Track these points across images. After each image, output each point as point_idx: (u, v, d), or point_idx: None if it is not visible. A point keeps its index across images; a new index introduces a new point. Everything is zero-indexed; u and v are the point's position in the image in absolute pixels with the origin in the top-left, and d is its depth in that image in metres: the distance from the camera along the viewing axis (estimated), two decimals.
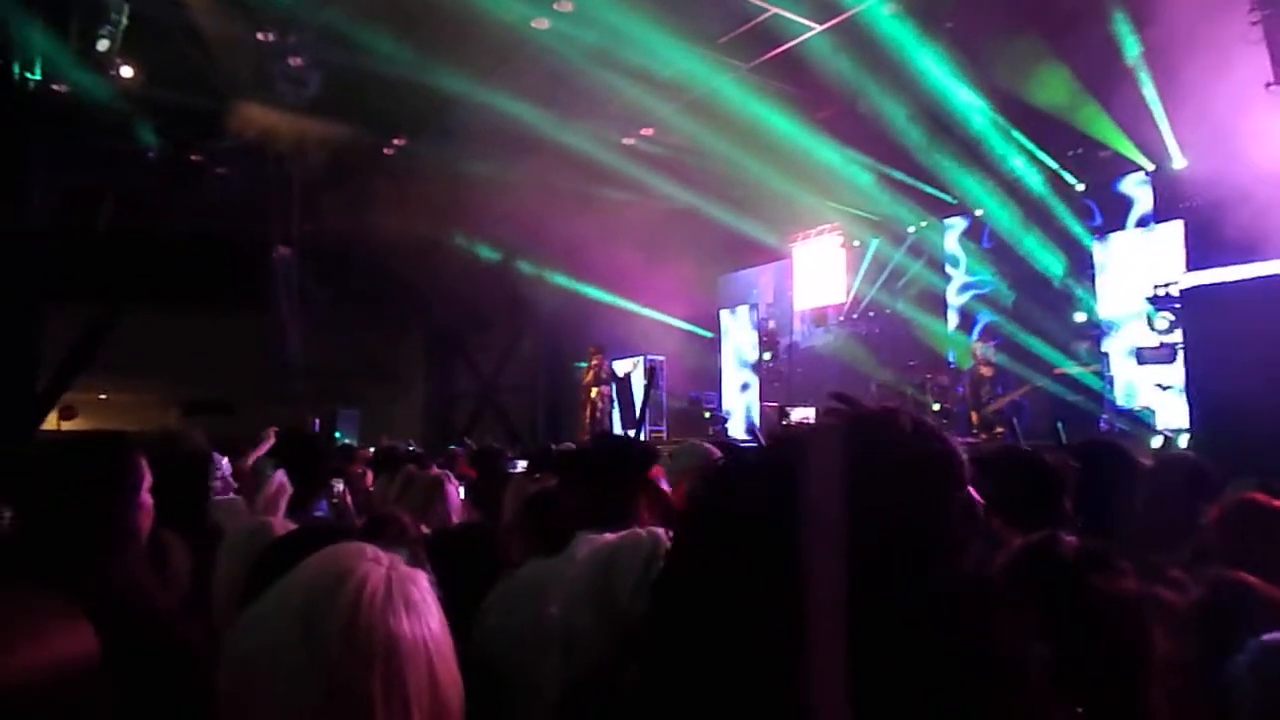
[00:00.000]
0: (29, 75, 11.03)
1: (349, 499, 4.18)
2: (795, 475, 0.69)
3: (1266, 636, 1.43)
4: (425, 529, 2.95)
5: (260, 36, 10.72)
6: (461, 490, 3.94)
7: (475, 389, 18.37)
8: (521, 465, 3.74)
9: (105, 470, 1.91)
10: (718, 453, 2.51)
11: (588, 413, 13.16)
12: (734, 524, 0.73)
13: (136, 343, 13.51)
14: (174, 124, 12.17)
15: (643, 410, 8.01)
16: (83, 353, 12.98)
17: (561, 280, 15.70)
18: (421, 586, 1.01)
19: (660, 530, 1.54)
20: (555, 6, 10.29)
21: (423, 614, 0.98)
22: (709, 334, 16.26)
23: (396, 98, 11.63)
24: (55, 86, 11.15)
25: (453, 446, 10.62)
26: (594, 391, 13.00)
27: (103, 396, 16.62)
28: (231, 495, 3.86)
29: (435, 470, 3.69)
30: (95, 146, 12.09)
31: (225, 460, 4.92)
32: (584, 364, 13.09)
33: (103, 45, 10.29)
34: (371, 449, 8.55)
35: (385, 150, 13.79)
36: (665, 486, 2.17)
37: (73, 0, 9.98)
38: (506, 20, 10.21)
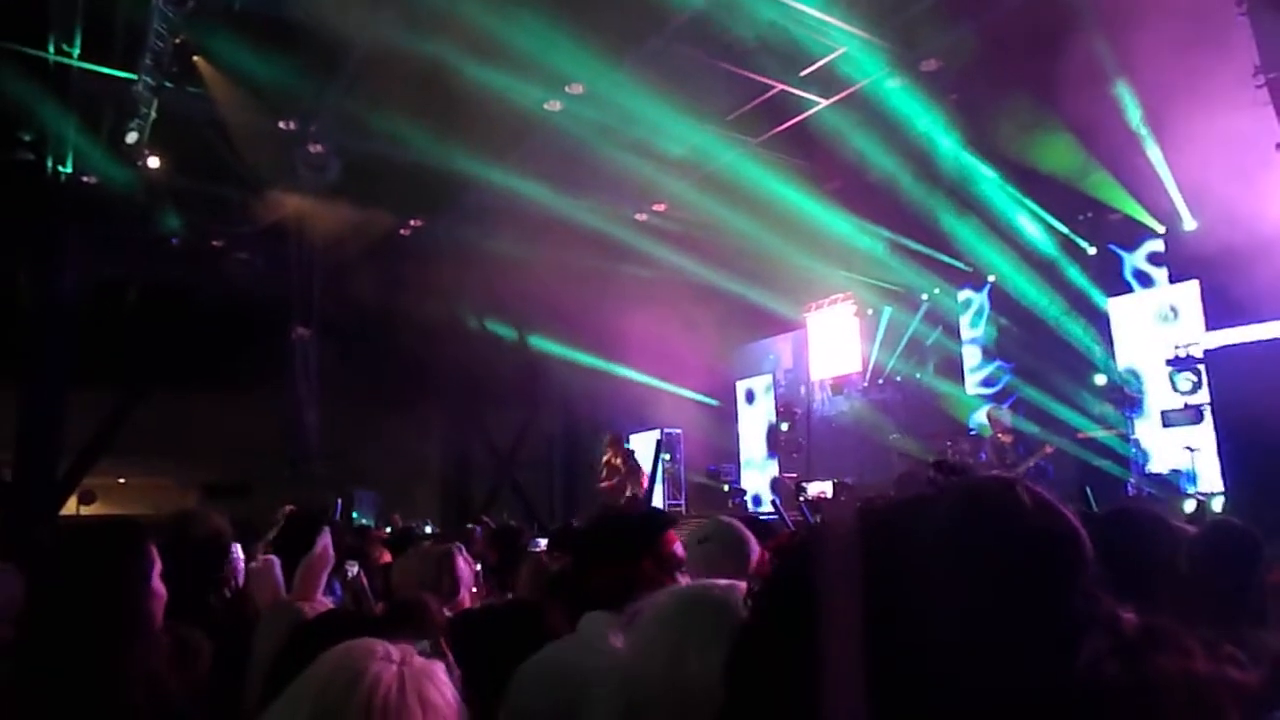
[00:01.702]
0: (61, 168, 11.40)
1: (364, 581, 4.10)
2: (891, 553, 0.65)
3: None
4: (448, 611, 2.88)
5: (282, 125, 11.05)
6: (479, 568, 3.87)
7: (492, 467, 18.29)
8: (542, 544, 3.66)
9: (114, 558, 1.88)
10: (745, 531, 2.44)
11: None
12: (814, 606, 0.67)
13: (155, 426, 13.60)
14: (197, 211, 12.49)
15: (651, 482, 7.88)
16: (104, 437, 13.07)
17: (578, 356, 15.77)
18: (439, 681, 0.97)
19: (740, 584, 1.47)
20: (566, 89, 10.57)
21: (439, 710, 0.94)
22: (716, 402, 16.15)
23: (413, 180, 11.91)
24: (85, 178, 11.51)
25: (470, 525, 10.51)
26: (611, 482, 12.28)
27: (121, 481, 16.63)
28: (266, 558, 3.79)
29: (444, 546, 3.63)
30: (121, 234, 12.42)
31: (237, 546, 4.83)
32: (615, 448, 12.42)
33: (131, 137, 10.63)
34: (387, 529, 8.48)
35: (402, 231, 14.05)
36: (680, 551, 2.11)
37: (104, 94, 10.34)
38: (520, 104, 10.50)
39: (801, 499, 11.37)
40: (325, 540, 2.95)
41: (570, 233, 12.91)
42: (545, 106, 10.86)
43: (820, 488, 11.21)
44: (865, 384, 14.21)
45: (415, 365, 15.12)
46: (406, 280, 13.84)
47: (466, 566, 3.32)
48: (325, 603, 2.55)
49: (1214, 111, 7.21)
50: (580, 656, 1.90)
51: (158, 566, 1.95)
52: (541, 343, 15.58)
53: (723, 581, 1.49)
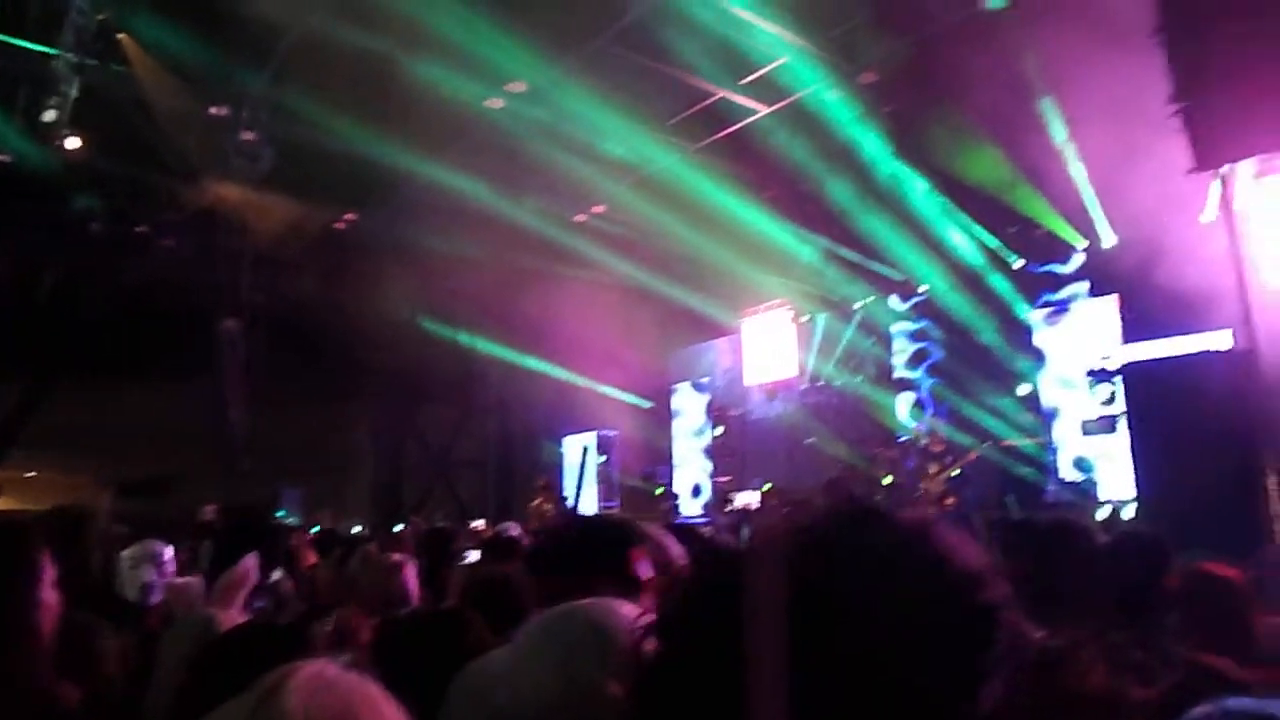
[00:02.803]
0: None
1: (288, 586, 4.00)
2: (812, 591, 0.64)
3: (1231, 701, 1.40)
4: (374, 619, 2.81)
5: (214, 111, 10.72)
6: None
7: (426, 467, 18.03)
8: (474, 556, 3.58)
9: None
10: (672, 544, 2.39)
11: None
12: (700, 654, 0.66)
13: (72, 418, 13.03)
14: (121, 195, 12.00)
15: (579, 487, 7.85)
16: (10, 429, 12.49)
17: (515, 356, 15.65)
18: (364, 694, 0.94)
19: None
20: (508, 87, 10.49)
21: None
22: (651, 405, 16.19)
23: (350, 173, 11.67)
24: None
25: (400, 527, 10.34)
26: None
27: (30, 474, 15.90)
28: (188, 579, 3.67)
29: (395, 556, 3.54)
30: (36, 216, 11.86)
31: (169, 550, 4.67)
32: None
33: (49, 116, 10.17)
34: (313, 529, 8.28)
35: (337, 225, 13.76)
36: (645, 570, 2.05)
37: (20, 69, 9.88)
38: (460, 99, 10.38)
39: (728, 509, 11.48)
40: (250, 562, 2.87)
41: (509, 232, 12.80)
42: (486, 103, 10.77)
43: (748, 498, 11.30)
44: (800, 389, 14.42)
45: (348, 361, 14.82)
46: (341, 274, 13.56)
47: (415, 582, 3.25)
48: (234, 616, 2.47)
49: (1134, 132, 7.48)
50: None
51: (48, 574, 1.81)
52: (478, 342, 15.40)
53: (600, 601, 1.47)
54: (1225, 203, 6.11)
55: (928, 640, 0.62)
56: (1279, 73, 4.44)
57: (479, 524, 8.71)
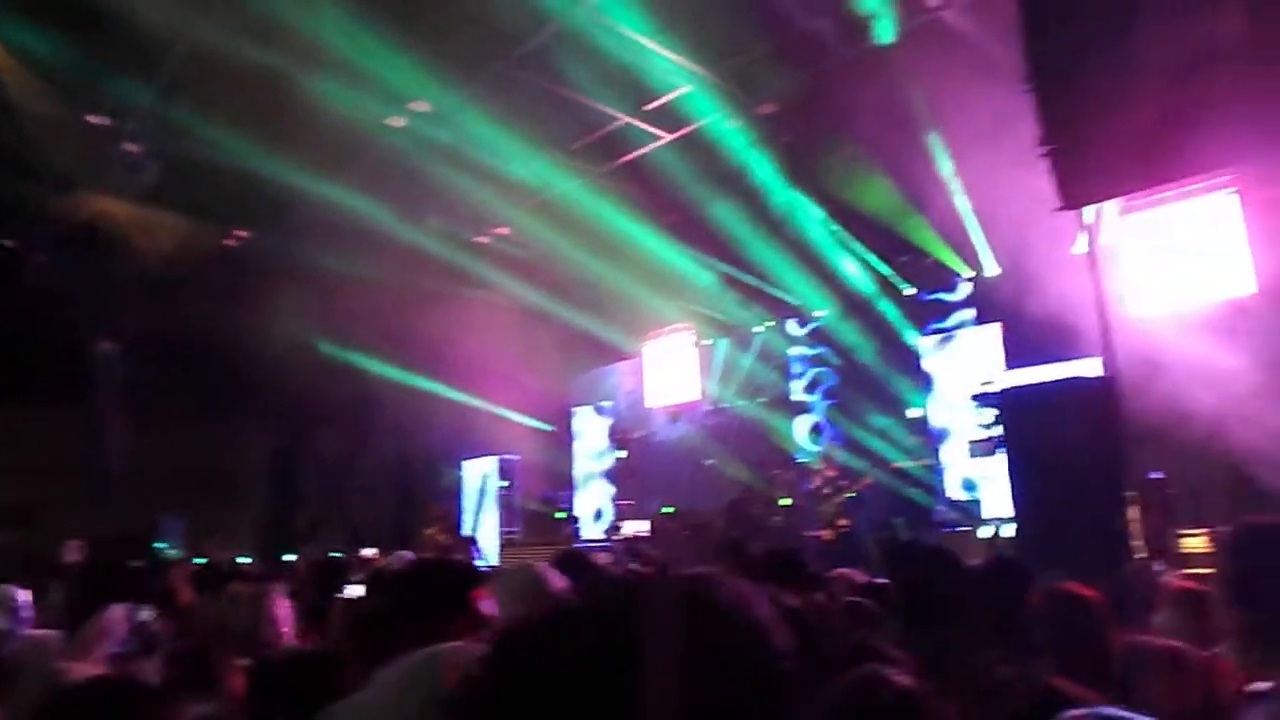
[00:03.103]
0: None
1: (160, 626, 3.77)
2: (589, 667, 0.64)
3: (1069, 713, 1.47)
4: (245, 660, 2.68)
5: (93, 120, 10.19)
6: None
7: (320, 492, 17.42)
8: (357, 590, 3.44)
9: None
10: (553, 579, 2.39)
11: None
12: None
13: None
14: None
15: (478, 513, 7.73)
16: None
17: (413, 379, 15.32)
18: None
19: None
20: (411, 106, 10.35)
21: None
22: (552, 428, 16.11)
23: (242, 189, 11.25)
24: None
25: (288, 557, 9.95)
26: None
27: None
28: (45, 633, 3.42)
29: (267, 591, 3.37)
30: None
31: (24, 595, 4.34)
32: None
33: None
34: (195, 562, 7.88)
35: (228, 242, 13.25)
36: (488, 609, 2.06)
37: None
38: (361, 117, 10.19)
39: (615, 538, 11.49)
40: (116, 614, 2.71)
41: (409, 252, 12.59)
42: (388, 122, 10.59)
43: (636, 525, 11.33)
44: (700, 413, 14.59)
45: (238, 384, 14.22)
46: (231, 294, 13.03)
47: (286, 613, 3.09)
48: (88, 669, 2.32)
49: (1012, 166, 7.90)
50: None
51: None
52: (375, 364, 15.01)
53: (462, 646, 1.48)
54: (1092, 238, 6.50)
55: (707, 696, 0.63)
56: (1138, 121, 4.78)
57: (370, 552, 8.46)
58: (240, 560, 11.25)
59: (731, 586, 0.70)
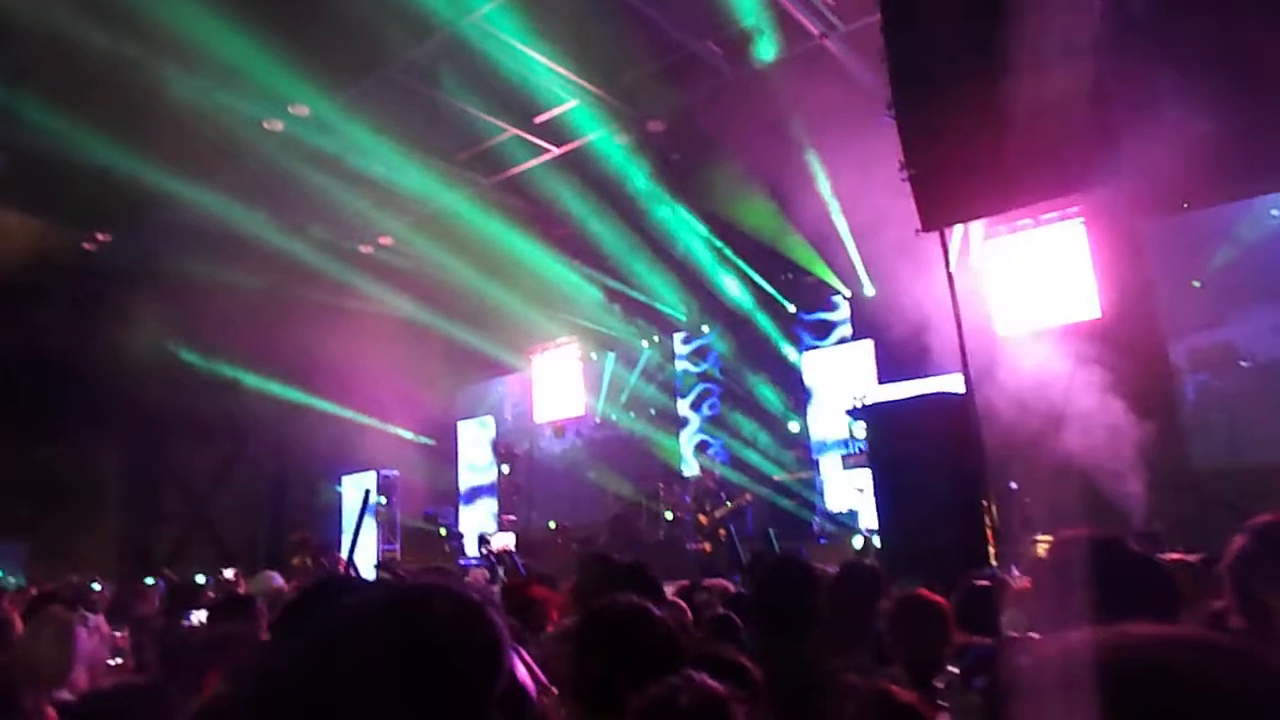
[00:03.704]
0: None
1: None
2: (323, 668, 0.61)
3: None
4: (64, 695, 2.48)
5: None
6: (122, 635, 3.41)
7: (183, 511, 16.47)
8: (199, 616, 3.21)
9: None
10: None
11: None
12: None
13: None
14: None
15: (357, 533, 7.45)
16: None
17: (291, 393, 14.71)
18: None
19: None
20: (290, 109, 9.98)
21: None
22: (434, 443, 15.77)
23: (102, 190, 10.54)
24: None
25: (150, 581, 9.34)
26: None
27: None
28: None
29: (71, 614, 3.11)
30: None
31: None
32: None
33: None
34: (36, 590, 7.30)
35: (85, 245, 12.42)
36: None
37: None
38: (234, 120, 9.76)
39: (484, 550, 11.35)
40: None
41: (286, 262, 12.11)
42: (265, 126, 10.17)
43: (504, 539, 11.24)
44: (586, 427, 14.57)
45: (86, 397, 13.31)
46: (85, 301, 12.22)
47: (89, 642, 2.84)
48: None
49: (886, 191, 8.24)
50: None
51: None
52: (249, 378, 14.34)
53: None
54: (952, 260, 6.83)
55: (419, 707, 0.61)
56: (993, 149, 5.06)
57: (229, 573, 8.04)
58: (93, 586, 10.51)
59: (453, 601, 0.68)
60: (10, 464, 12.37)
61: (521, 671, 0.67)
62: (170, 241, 11.84)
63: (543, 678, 0.69)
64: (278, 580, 6.37)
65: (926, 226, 5.63)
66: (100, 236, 12.41)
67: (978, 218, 8.22)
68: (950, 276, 5.79)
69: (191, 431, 15.30)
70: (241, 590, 6.05)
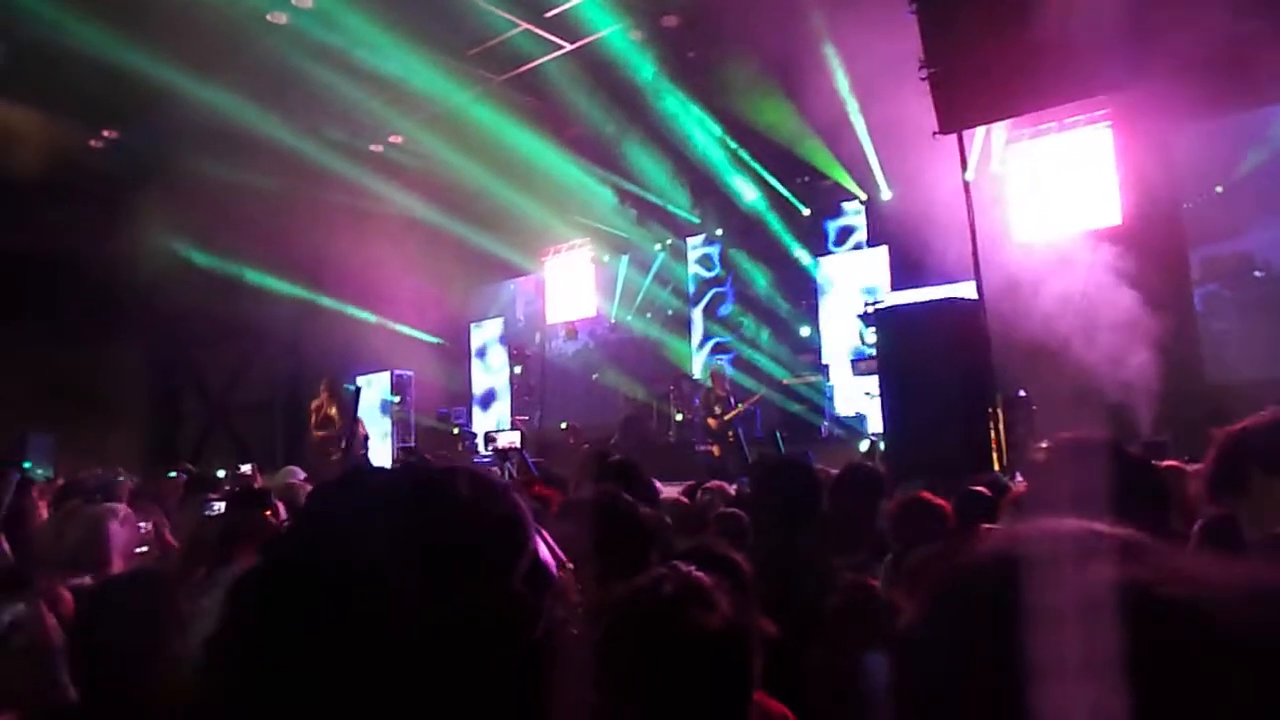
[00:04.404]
0: None
1: (3, 543, 3.61)
2: (348, 547, 0.64)
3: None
4: (84, 580, 2.59)
5: None
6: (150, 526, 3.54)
7: (204, 410, 16.81)
8: (219, 506, 3.33)
9: None
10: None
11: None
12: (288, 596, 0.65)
13: None
14: None
15: (351, 434, 7.55)
16: None
17: (304, 293, 14.76)
18: None
19: None
20: (294, 1, 9.70)
21: None
22: (446, 343, 15.87)
23: (109, 85, 10.36)
24: None
25: (173, 474, 9.61)
26: (324, 433, 11.45)
27: None
28: None
29: (109, 505, 3.23)
30: None
31: None
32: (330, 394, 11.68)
33: None
34: (61, 481, 7.52)
35: (92, 143, 12.30)
36: None
37: None
38: (240, 11, 9.50)
39: (491, 448, 11.53)
40: None
41: (297, 161, 11.96)
42: (269, 18, 9.90)
43: (509, 439, 11.38)
44: (598, 329, 14.62)
45: (112, 297, 13.42)
46: (98, 201, 12.18)
47: (121, 533, 2.94)
48: None
49: (906, 91, 8.00)
50: None
51: None
52: (262, 278, 14.37)
53: None
54: (972, 165, 6.69)
55: (441, 582, 0.63)
56: (1015, 47, 4.88)
57: (246, 468, 8.26)
58: (118, 479, 10.81)
59: (477, 480, 0.70)
60: (38, 363, 12.59)
61: (543, 549, 0.69)
62: (179, 140, 11.70)
63: (561, 555, 0.72)
64: (299, 475, 6.54)
65: (945, 128, 5.49)
66: (107, 133, 12.28)
67: (999, 119, 7.98)
68: (966, 183, 5.67)
69: (208, 332, 15.47)
70: (258, 484, 6.21)
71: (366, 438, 10.77)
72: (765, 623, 1.41)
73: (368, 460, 10.72)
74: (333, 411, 11.19)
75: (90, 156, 12.29)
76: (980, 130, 9.22)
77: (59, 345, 13.33)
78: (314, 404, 11.64)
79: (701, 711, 1.13)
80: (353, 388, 11.17)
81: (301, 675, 0.60)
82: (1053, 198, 10.10)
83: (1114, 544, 0.55)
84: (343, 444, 10.29)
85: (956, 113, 5.51)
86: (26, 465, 10.76)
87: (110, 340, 14.98)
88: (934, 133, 5.63)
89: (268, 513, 3.00)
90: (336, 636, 0.60)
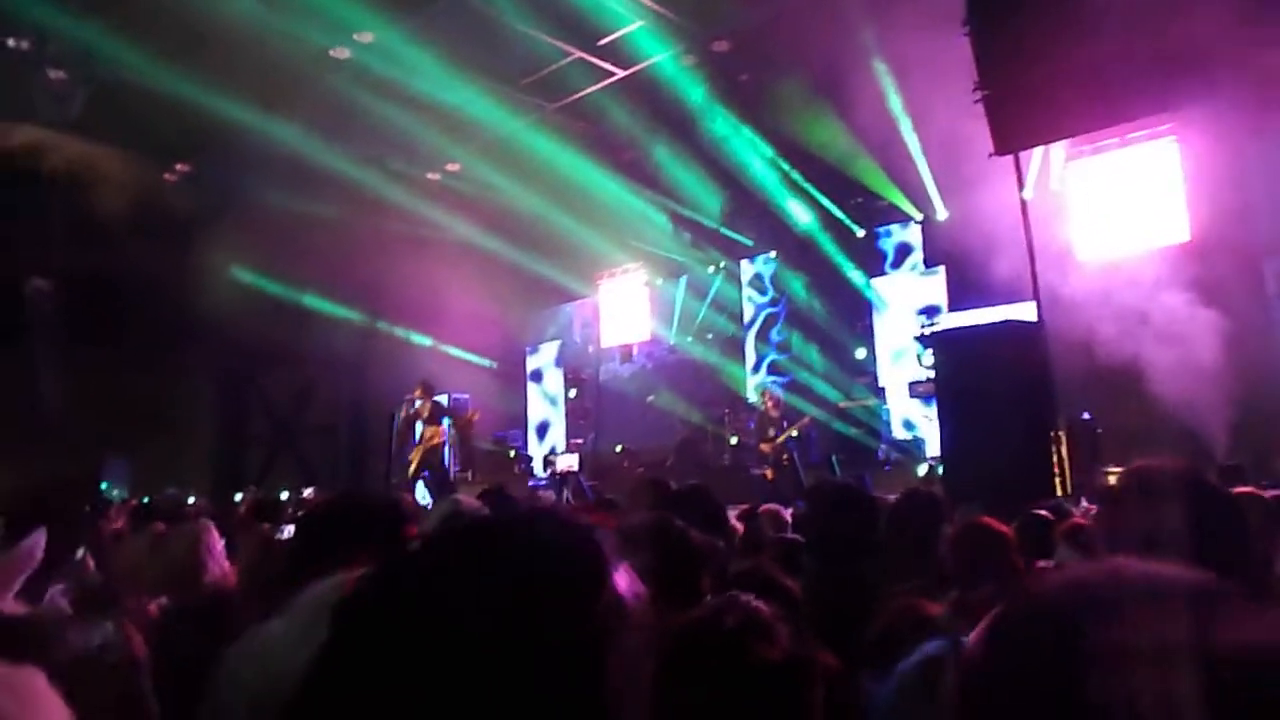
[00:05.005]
0: None
1: (90, 564, 3.75)
2: (441, 584, 0.67)
3: (928, 646, 1.56)
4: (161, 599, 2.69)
5: (11, 44, 9.70)
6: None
7: (270, 433, 17.26)
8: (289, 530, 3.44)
9: None
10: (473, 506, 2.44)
11: (416, 457, 11.35)
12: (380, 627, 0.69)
13: None
14: None
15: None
16: None
17: (365, 319, 15.13)
18: (23, 690, 0.90)
19: None
20: (355, 37, 10.03)
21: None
22: (495, 365, 16.05)
23: (181, 122, 10.84)
24: None
25: (240, 496, 9.91)
26: (429, 431, 11.33)
27: None
28: None
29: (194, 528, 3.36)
30: None
31: None
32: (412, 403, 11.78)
33: None
34: (135, 501, 7.82)
35: (167, 176, 12.83)
36: None
37: None
38: (304, 48, 9.86)
39: (549, 471, 11.55)
40: (35, 539, 2.67)
41: (357, 191, 12.31)
42: (331, 54, 10.26)
43: (569, 460, 11.41)
44: (652, 353, 14.66)
45: (183, 323, 13.91)
46: (171, 232, 12.67)
47: (220, 549, 3.06)
48: (11, 605, 2.31)
49: (961, 109, 7.93)
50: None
51: None
52: (325, 304, 14.78)
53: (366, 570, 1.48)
54: (1030, 184, 6.58)
55: (525, 621, 0.66)
56: (1070, 67, 4.81)
57: (309, 492, 8.47)
58: (188, 501, 11.18)
59: (561, 524, 0.74)
60: (115, 389, 13.06)
61: (623, 581, 0.72)
62: (247, 173, 12.13)
63: (640, 586, 0.75)
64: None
65: (1000, 150, 5.43)
66: (181, 168, 12.80)
67: (1056, 140, 7.83)
68: (1024, 202, 5.58)
69: (274, 358, 15.89)
70: None
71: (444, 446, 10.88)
72: (826, 655, 1.41)
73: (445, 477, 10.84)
74: (427, 413, 11.18)
75: (165, 190, 12.81)
76: (1039, 147, 9.07)
77: (134, 370, 13.83)
78: (404, 413, 11.58)
79: None
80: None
81: (398, 696, 0.64)
82: (1116, 215, 9.87)
83: (1187, 592, 0.55)
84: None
85: (1013, 134, 5.45)
86: (103, 486, 11.20)
87: (181, 366, 15.51)
88: (990, 154, 5.56)
89: None
90: (430, 662, 0.64)
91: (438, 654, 0.64)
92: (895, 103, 10.28)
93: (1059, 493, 5.44)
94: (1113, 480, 6.71)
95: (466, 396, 15.06)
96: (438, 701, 0.63)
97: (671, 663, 1.11)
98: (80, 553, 4.12)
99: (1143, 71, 5.02)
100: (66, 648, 1.80)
